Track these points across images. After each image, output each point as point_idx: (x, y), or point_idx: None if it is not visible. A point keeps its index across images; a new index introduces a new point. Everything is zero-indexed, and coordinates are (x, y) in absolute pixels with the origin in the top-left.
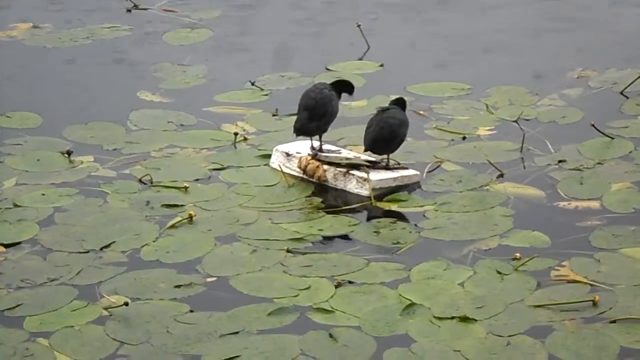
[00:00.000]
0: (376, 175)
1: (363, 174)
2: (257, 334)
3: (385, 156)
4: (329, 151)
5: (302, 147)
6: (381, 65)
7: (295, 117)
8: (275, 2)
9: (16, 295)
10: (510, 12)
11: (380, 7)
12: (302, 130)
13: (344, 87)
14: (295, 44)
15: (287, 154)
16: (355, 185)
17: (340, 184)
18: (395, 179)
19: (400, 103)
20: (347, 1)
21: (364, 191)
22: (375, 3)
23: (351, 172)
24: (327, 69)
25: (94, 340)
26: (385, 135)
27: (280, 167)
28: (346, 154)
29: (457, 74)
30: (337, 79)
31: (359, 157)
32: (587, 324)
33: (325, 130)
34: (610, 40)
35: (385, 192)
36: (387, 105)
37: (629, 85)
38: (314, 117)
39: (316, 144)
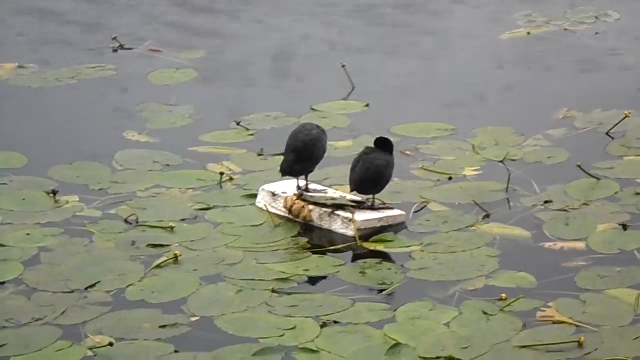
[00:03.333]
0: (361, 216)
1: (348, 215)
2: None
3: (370, 196)
4: (315, 191)
5: (288, 187)
6: (367, 106)
7: (281, 157)
8: (260, 43)
9: (0, 335)
10: (497, 52)
11: (367, 47)
12: (289, 171)
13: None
14: (280, 84)
15: (273, 194)
16: (341, 225)
17: (325, 224)
18: (380, 219)
19: (384, 144)
20: (333, 41)
21: (349, 231)
22: (362, 43)
23: (336, 212)
24: (312, 109)
25: None
26: (371, 176)
27: (266, 207)
28: (332, 194)
29: (443, 114)
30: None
31: (345, 197)
32: None
33: (311, 171)
34: (598, 80)
35: (370, 233)
36: (372, 145)
37: (614, 126)
38: (301, 159)
39: (302, 183)
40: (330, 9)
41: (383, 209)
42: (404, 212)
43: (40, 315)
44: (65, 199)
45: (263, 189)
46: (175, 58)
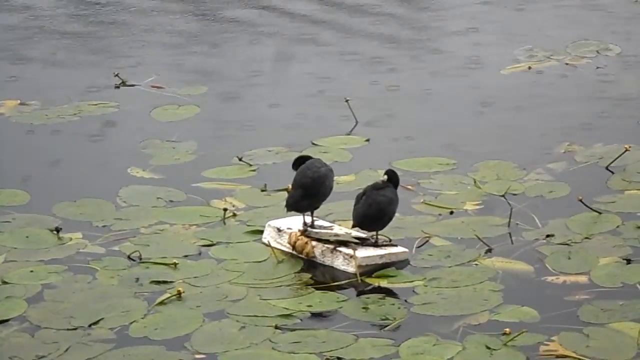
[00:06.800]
0: (363, 252)
1: (350, 251)
2: None
3: (374, 233)
4: (320, 227)
5: (294, 222)
6: (367, 140)
7: (285, 193)
8: (262, 79)
9: None
10: (498, 86)
11: (367, 81)
12: (294, 207)
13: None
14: (281, 118)
15: (279, 230)
16: (342, 262)
17: (327, 261)
18: (382, 256)
19: (392, 178)
20: (336, 76)
21: (350, 268)
22: (363, 76)
23: (338, 248)
24: (313, 144)
25: None
26: (372, 213)
27: (268, 243)
28: (337, 230)
29: (444, 148)
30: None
31: (349, 233)
32: None
33: (317, 207)
34: (599, 114)
35: (372, 270)
36: (383, 178)
37: (614, 160)
38: (308, 195)
39: (308, 220)
40: (330, 45)
41: (386, 245)
42: (406, 250)
43: (44, 353)
44: (69, 236)
45: (269, 225)
46: (178, 94)
